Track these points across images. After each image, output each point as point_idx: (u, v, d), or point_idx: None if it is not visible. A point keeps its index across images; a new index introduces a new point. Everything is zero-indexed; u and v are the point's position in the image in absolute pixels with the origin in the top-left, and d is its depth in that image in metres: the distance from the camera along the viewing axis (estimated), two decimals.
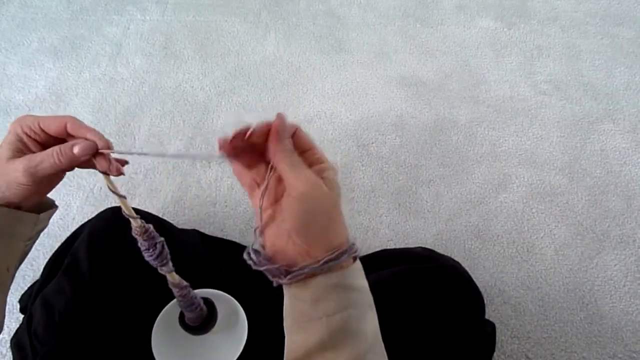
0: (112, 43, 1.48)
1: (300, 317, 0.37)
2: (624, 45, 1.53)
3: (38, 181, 0.42)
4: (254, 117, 0.38)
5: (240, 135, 0.36)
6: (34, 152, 0.42)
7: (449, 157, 1.23)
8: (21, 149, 0.42)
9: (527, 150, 1.26)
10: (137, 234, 0.46)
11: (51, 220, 1.13)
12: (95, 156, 0.42)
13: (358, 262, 0.39)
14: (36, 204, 0.47)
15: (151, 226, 0.47)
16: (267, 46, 1.49)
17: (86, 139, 0.42)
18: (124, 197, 0.44)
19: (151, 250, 0.47)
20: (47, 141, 0.43)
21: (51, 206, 0.50)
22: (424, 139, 1.27)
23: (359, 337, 0.36)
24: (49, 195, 0.49)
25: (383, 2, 1.65)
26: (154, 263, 0.49)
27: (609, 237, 1.10)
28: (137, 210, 0.72)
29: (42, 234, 1.08)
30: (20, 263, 0.49)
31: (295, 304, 0.38)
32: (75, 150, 0.41)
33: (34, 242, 0.50)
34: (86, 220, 0.73)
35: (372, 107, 1.34)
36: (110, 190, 0.44)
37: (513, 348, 0.95)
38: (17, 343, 0.63)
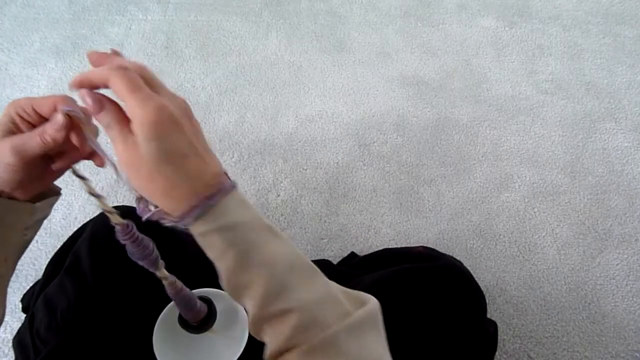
0: (113, 43, 1.48)
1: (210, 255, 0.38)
2: (625, 44, 1.53)
3: (27, 163, 0.40)
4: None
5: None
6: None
7: (450, 157, 1.23)
8: (13, 131, 0.41)
9: (528, 150, 1.25)
10: (119, 233, 0.44)
11: (53, 220, 1.13)
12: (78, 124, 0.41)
13: (230, 197, 0.38)
14: (36, 195, 0.45)
15: (130, 223, 0.44)
16: (269, 46, 1.49)
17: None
18: (102, 197, 0.43)
19: (135, 248, 0.46)
20: (40, 122, 0.42)
21: (54, 193, 0.49)
22: (425, 139, 1.27)
23: (263, 265, 0.36)
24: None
25: (384, 1, 1.65)
26: (140, 261, 0.47)
27: (611, 236, 1.10)
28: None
29: (44, 233, 1.08)
30: (20, 254, 0.47)
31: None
32: (56, 120, 0.40)
33: (34, 232, 0.48)
34: (88, 219, 0.73)
35: (374, 107, 1.34)
36: (90, 193, 0.43)
37: (515, 347, 0.95)
38: (19, 342, 0.63)
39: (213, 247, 0.37)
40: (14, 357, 0.64)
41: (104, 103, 0.36)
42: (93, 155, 0.44)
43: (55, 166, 0.43)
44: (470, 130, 1.29)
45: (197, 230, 0.36)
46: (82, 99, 0.36)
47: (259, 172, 1.19)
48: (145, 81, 0.35)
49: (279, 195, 1.15)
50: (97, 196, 0.43)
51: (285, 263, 0.38)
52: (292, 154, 1.23)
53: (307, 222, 1.11)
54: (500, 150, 1.25)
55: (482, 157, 1.24)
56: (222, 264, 0.37)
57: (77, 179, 0.44)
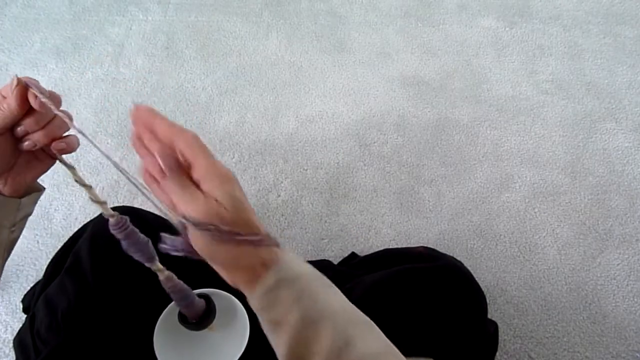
0: (114, 43, 1.48)
1: (265, 326, 0.38)
2: (626, 44, 1.53)
3: None
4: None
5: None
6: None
7: (450, 157, 1.23)
8: None
9: (529, 150, 1.25)
10: (112, 226, 0.44)
11: (54, 220, 1.13)
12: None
13: (286, 251, 0.39)
14: (21, 192, 0.45)
15: (123, 217, 0.45)
16: (269, 46, 1.49)
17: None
18: (90, 187, 0.43)
19: (128, 241, 0.46)
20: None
21: (37, 189, 0.49)
22: (425, 139, 1.27)
23: (326, 318, 0.36)
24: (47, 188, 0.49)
25: (385, 1, 1.65)
26: (134, 254, 0.47)
27: (612, 236, 1.10)
28: (137, 210, 0.72)
29: (44, 234, 1.08)
30: (8, 252, 0.47)
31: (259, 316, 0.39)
32: (11, 84, 0.38)
33: (20, 230, 0.48)
34: (89, 220, 0.73)
35: (374, 107, 1.34)
36: (77, 182, 0.43)
37: (516, 347, 0.95)
38: (20, 342, 0.63)
39: (280, 303, 0.37)
40: (14, 358, 0.64)
41: (177, 167, 0.37)
42: (61, 137, 0.43)
43: (23, 146, 0.42)
44: (471, 131, 1.29)
45: (266, 284, 0.37)
46: (153, 164, 0.37)
47: (260, 172, 1.19)
48: None
49: (279, 196, 1.15)
50: (85, 186, 0.43)
51: (345, 315, 0.38)
52: (292, 154, 1.23)
53: (307, 223, 1.11)
54: (501, 150, 1.25)
55: (482, 157, 1.24)
56: (289, 319, 0.36)
57: (77, 178, 0.44)
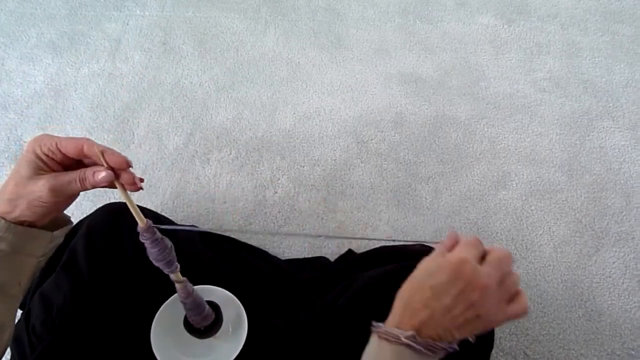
0: (111, 39, 1.48)
1: None
2: (624, 42, 1.53)
3: (60, 201, 0.44)
4: None
5: None
6: (54, 170, 0.44)
7: (448, 154, 1.23)
8: (42, 168, 0.44)
9: (526, 148, 1.25)
10: (144, 238, 0.46)
11: None
12: (117, 177, 0.45)
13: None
14: (50, 221, 0.48)
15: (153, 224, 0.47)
16: (267, 42, 1.49)
17: (107, 163, 0.44)
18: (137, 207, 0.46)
19: (159, 252, 0.47)
20: (64, 160, 0.45)
21: (66, 222, 0.52)
22: (423, 136, 1.27)
23: None
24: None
25: None
26: (161, 266, 0.48)
27: (608, 234, 1.10)
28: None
29: None
30: (32, 278, 0.49)
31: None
32: (97, 178, 0.44)
33: (47, 258, 0.50)
34: (84, 216, 0.73)
35: (372, 104, 1.34)
36: (126, 201, 0.45)
37: (511, 345, 0.95)
38: (15, 338, 0.63)
39: (383, 354, 0.41)
40: (9, 353, 0.63)
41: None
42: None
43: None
44: (468, 128, 1.29)
45: (389, 342, 0.42)
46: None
47: (257, 169, 1.19)
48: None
49: (276, 192, 1.15)
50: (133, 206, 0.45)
51: None
52: (289, 150, 1.22)
53: (304, 219, 1.11)
54: (498, 148, 1.25)
55: (479, 154, 1.24)
56: None
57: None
